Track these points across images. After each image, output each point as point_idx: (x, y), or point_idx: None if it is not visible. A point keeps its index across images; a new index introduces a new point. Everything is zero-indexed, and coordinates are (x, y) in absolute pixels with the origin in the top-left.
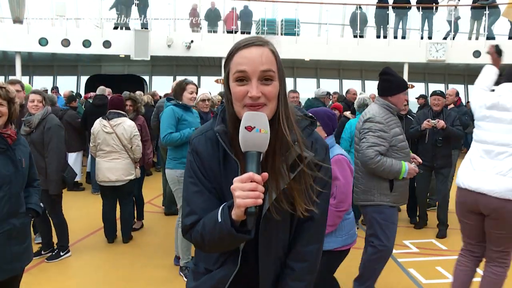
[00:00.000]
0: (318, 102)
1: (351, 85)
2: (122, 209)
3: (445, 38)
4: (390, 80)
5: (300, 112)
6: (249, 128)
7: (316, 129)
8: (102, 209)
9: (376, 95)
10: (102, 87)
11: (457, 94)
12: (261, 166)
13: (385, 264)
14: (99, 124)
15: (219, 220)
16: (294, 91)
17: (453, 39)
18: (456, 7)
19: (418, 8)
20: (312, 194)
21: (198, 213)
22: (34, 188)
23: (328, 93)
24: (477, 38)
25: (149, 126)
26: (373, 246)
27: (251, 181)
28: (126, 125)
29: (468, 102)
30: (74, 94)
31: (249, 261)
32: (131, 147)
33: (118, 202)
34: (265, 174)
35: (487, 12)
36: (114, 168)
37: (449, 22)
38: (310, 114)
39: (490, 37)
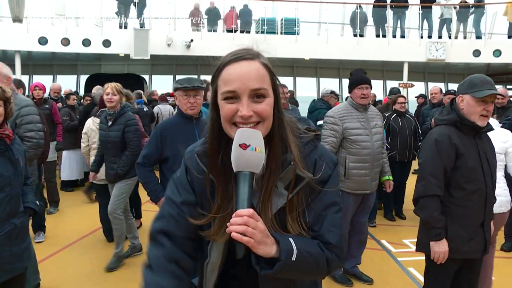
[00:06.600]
0: (322, 103)
1: None
2: None
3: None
4: (349, 78)
5: (304, 125)
6: (244, 146)
7: None
8: (99, 209)
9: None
10: (98, 86)
11: (441, 91)
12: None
13: None
14: (92, 123)
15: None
16: (284, 86)
17: (450, 38)
18: (444, 6)
19: (421, 6)
20: (307, 218)
21: (166, 220)
22: (28, 186)
23: (333, 92)
24: (464, 38)
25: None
26: None
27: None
28: None
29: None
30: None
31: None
32: None
33: None
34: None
35: (486, 11)
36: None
37: (439, 23)
38: (314, 127)
39: (478, 36)
